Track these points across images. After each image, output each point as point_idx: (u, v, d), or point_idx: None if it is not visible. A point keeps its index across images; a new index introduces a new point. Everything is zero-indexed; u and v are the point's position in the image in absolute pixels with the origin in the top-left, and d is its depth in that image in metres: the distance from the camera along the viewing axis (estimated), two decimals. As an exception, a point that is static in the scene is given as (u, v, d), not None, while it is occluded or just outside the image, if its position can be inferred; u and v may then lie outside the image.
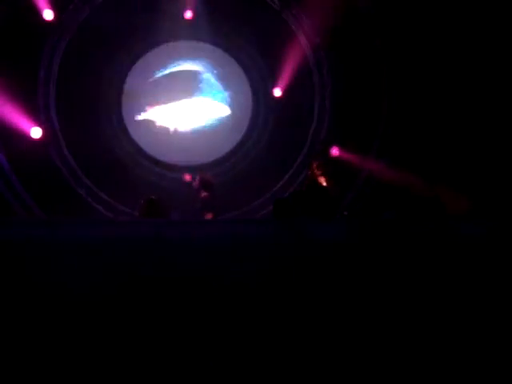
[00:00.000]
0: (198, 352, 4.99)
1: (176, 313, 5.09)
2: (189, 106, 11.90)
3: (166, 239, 6.11)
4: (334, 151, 11.10)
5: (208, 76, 11.93)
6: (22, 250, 5.59)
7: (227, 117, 11.94)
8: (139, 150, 11.76)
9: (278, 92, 11.67)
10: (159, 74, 11.87)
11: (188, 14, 11.56)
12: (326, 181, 7.63)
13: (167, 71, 11.89)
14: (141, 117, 11.84)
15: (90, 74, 11.21)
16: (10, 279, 5.43)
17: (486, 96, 10.00)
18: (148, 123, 11.85)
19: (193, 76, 11.94)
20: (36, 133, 11.06)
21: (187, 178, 11.30)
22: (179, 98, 11.89)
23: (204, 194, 8.80)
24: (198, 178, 9.10)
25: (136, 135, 11.82)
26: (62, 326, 5.30)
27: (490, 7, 9.77)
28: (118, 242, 5.91)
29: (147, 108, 11.84)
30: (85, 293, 5.48)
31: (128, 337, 4.99)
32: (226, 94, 11.97)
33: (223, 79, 11.96)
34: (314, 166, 7.70)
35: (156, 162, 11.73)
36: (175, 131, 11.86)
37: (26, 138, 10.95)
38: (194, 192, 9.14)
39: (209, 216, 8.45)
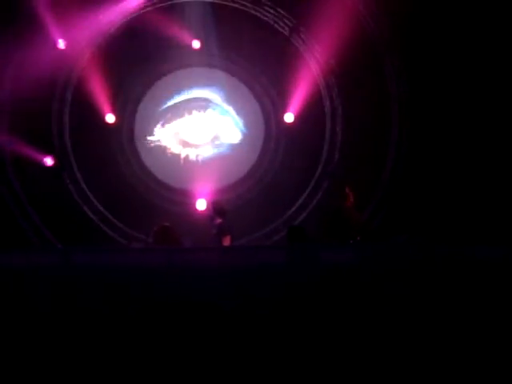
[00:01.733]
0: (209, 377, 5.00)
1: (190, 339, 5.09)
2: (201, 131, 11.95)
3: (179, 266, 6.12)
4: None
5: (220, 102, 12.00)
6: (35, 277, 5.62)
7: (239, 142, 11.97)
8: (152, 177, 11.81)
9: (289, 117, 11.68)
10: (172, 101, 11.94)
11: (196, 44, 11.67)
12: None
13: (180, 97, 11.97)
14: (153, 143, 11.90)
15: (103, 101, 11.31)
16: (24, 306, 5.47)
17: (499, 121, 10.00)
18: (160, 149, 11.90)
19: (205, 102, 12.00)
20: (49, 161, 11.18)
21: (201, 205, 11.29)
22: (192, 124, 11.96)
23: (218, 220, 8.78)
24: (211, 204, 9.08)
25: (149, 161, 11.88)
26: (77, 352, 5.32)
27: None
28: (132, 270, 5.92)
29: (160, 134, 11.91)
30: (98, 319, 5.49)
31: (140, 360, 5.00)
32: (237, 120, 12.01)
33: (235, 105, 12.02)
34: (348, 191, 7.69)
35: (169, 189, 11.77)
36: (187, 157, 11.90)
37: (39, 166, 11.06)
38: (208, 219, 9.11)
39: (225, 241, 8.41)
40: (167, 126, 11.92)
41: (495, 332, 4.42)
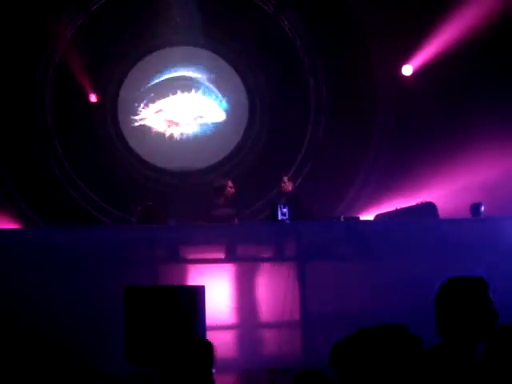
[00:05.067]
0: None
1: (166, 320, 5.06)
2: (185, 111, 11.89)
3: (162, 244, 6.12)
4: None
5: (204, 81, 11.93)
6: (16, 254, 5.58)
7: (224, 122, 11.93)
8: (136, 156, 11.73)
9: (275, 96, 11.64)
10: (155, 80, 11.85)
11: (180, 23, 11.58)
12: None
13: (164, 77, 11.88)
14: (137, 122, 11.82)
15: (85, 81, 11.20)
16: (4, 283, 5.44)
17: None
18: (144, 129, 11.81)
19: (189, 81, 11.93)
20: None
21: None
22: (175, 104, 11.89)
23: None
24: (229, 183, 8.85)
25: (132, 141, 11.79)
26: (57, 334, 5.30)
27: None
28: (115, 247, 5.91)
29: (143, 114, 11.83)
30: (79, 298, 5.49)
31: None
32: (222, 99, 11.96)
33: (219, 84, 11.95)
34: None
35: (152, 168, 11.70)
36: (171, 137, 11.83)
37: (22, 146, 10.95)
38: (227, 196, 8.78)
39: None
40: (151, 105, 11.84)
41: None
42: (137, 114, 11.81)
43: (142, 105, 11.80)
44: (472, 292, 2.97)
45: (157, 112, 11.83)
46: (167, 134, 11.82)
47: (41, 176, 10.99)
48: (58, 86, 11.25)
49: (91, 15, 11.19)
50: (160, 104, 11.84)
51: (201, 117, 11.90)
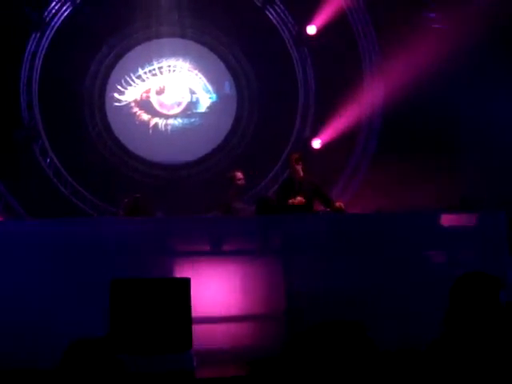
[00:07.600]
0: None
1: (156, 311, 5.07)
2: (172, 101, 11.86)
3: (148, 237, 6.10)
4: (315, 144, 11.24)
5: (192, 72, 11.91)
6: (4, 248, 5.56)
7: (212, 113, 11.92)
8: (123, 148, 11.71)
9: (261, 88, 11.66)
10: (143, 70, 11.83)
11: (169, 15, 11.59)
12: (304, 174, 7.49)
13: (151, 67, 11.86)
14: (125, 114, 11.79)
15: (73, 72, 11.15)
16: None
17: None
18: (132, 121, 11.79)
19: (176, 72, 11.91)
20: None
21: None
22: (163, 95, 11.87)
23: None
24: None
25: (120, 133, 11.77)
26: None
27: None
28: (101, 239, 5.89)
29: (131, 104, 11.80)
30: (64, 291, 5.47)
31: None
32: (210, 91, 11.95)
33: (207, 75, 11.94)
34: (293, 159, 7.58)
35: (140, 161, 11.68)
36: (159, 129, 11.82)
37: (9, 137, 10.89)
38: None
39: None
40: (137, 95, 11.81)
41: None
42: (125, 105, 11.78)
43: (129, 95, 11.77)
44: (486, 289, 2.92)
45: (145, 102, 11.81)
46: (155, 125, 11.80)
47: (27, 168, 10.94)
48: (45, 78, 11.20)
49: (79, 6, 11.14)
50: (146, 94, 11.82)
51: (189, 108, 11.89)
